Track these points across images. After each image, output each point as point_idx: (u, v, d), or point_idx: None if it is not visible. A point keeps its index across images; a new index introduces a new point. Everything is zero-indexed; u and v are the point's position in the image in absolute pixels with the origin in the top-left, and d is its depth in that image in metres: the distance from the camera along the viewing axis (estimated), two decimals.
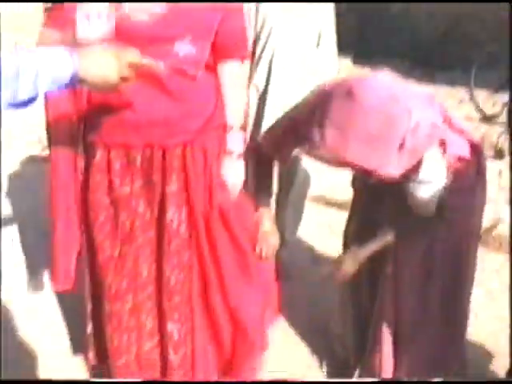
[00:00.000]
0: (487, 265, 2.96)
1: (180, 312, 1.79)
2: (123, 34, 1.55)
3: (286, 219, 2.83)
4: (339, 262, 1.87)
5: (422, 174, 1.60)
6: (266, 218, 1.94)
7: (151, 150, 1.66)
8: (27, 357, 2.28)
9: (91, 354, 1.96)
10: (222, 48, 1.70)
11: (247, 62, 1.84)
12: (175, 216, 1.70)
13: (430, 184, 1.64)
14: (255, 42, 2.41)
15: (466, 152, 1.75)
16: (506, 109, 4.65)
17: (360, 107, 1.51)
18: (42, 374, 2.19)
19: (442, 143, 1.67)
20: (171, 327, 1.78)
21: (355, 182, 2.09)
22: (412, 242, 1.81)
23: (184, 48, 1.59)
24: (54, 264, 1.82)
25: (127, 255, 1.74)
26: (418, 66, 8.28)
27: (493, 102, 5.68)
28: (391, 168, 1.55)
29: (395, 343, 1.89)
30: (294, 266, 2.87)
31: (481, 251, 3.06)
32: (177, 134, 1.66)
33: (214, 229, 1.76)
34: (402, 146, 1.54)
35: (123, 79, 1.31)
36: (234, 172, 1.79)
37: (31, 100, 1.11)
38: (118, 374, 1.85)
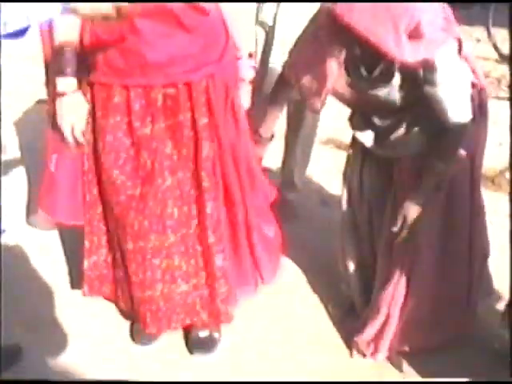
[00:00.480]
0: (500, 207, 2.93)
1: (221, 245, 1.85)
2: None
3: (295, 161, 2.80)
4: (403, 214, 1.80)
5: (440, 67, 1.56)
6: None
7: (175, 89, 1.66)
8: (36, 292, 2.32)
9: (89, 287, 2.00)
10: None
11: None
12: (210, 152, 1.74)
13: (453, 82, 1.62)
14: None
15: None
16: None
17: None
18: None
19: (459, 42, 1.63)
20: (219, 261, 1.85)
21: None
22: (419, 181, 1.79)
23: None
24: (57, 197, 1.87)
25: (148, 195, 1.75)
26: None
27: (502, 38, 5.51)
28: (406, 53, 1.48)
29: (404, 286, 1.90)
30: (303, 207, 2.87)
31: (493, 194, 3.07)
32: (198, 68, 1.67)
33: (239, 158, 1.84)
34: (416, 31, 1.47)
35: (119, 10, 1.26)
36: (244, 97, 1.92)
37: (24, 31, 1.07)
38: (142, 305, 1.90)
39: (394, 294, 1.92)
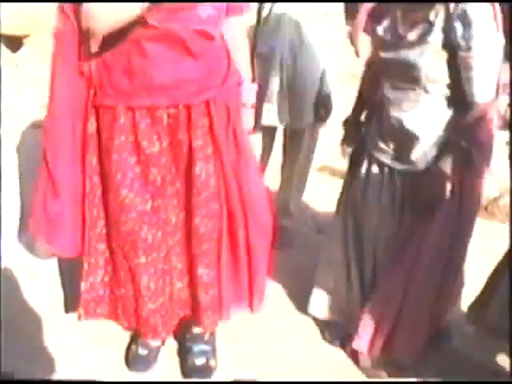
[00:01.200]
0: (492, 234, 2.96)
1: (209, 258, 1.91)
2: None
3: (291, 189, 2.83)
4: None
5: (475, 24, 1.62)
6: None
7: (176, 109, 1.73)
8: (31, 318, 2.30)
9: (85, 310, 2.00)
10: (228, 7, 1.79)
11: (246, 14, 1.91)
12: (203, 170, 1.79)
13: (486, 49, 1.65)
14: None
15: None
16: None
17: None
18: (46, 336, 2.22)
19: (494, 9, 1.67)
20: (201, 271, 1.92)
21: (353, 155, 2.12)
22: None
23: (206, 10, 1.68)
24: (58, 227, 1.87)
25: (160, 208, 1.85)
26: None
27: (504, 70, 5.59)
28: None
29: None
30: (298, 234, 2.88)
31: (486, 222, 3.10)
32: (201, 92, 1.74)
33: (242, 177, 1.88)
34: None
35: None
36: (247, 120, 1.96)
37: None
38: (152, 316, 1.96)
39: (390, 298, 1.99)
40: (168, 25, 1.62)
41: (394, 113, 1.87)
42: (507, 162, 3.62)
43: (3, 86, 4.41)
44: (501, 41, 1.70)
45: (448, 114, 1.81)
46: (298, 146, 2.73)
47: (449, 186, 1.83)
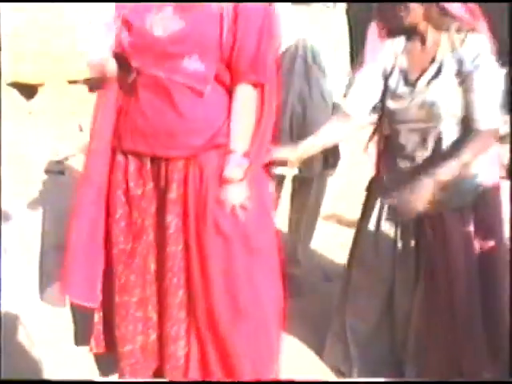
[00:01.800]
0: None
1: (174, 313, 1.82)
2: (140, 48, 1.70)
3: (299, 238, 2.85)
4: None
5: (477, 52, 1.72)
6: None
7: (157, 159, 1.77)
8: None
9: (96, 342, 1.99)
10: (236, 69, 1.71)
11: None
12: (173, 223, 1.77)
13: (489, 77, 1.73)
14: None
15: None
16: None
17: None
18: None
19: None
20: (169, 324, 1.83)
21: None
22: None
23: (193, 64, 1.66)
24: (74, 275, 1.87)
25: (136, 251, 1.83)
26: None
27: (504, 121, 5.67)
28: None
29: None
30: (306, 282, 2.88)
31: None
32: (179, 148, 1.73)
33: (207, 244, 1.74)
34: None
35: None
36: (232, 196, 1.73)
37: None
38: (122, 360, 1.90)
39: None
40: (154, 72, 1.68)
41: (407, 157, 1.91)
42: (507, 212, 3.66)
43: (17, 133, 4.52)
44: (500, 68, 1.79)
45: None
46: (306, 194, 2.76)
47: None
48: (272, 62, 1.75)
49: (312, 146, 1.91)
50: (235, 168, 1.71)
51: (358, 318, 2.15)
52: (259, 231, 1.80)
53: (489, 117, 1.76)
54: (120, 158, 1.82)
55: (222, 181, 1.72)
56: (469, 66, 1.75)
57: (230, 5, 1.66)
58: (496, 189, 1.96)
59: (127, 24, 1.70)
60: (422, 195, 1.72)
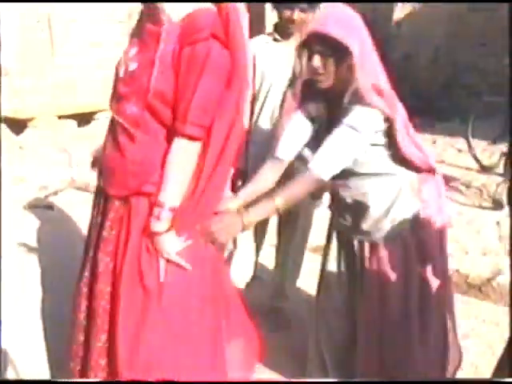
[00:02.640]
0: (487, 317, 2.96)
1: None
2: (113, 88, 1.77)
3: (286, 272, 2.85)
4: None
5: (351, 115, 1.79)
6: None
7: (106, 195, 1.80)
8: None
9: None
10: (174, 120, 1.63)
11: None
12: (102, 262, 1.74)
13: (357, 131, 1.79)
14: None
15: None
16: (503, 159, 4.72)
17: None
18: None
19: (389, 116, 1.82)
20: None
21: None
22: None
23: (131, 107, 1.67)
24: None
25: (97, 297, 1.77)
26: (417, 115, 8.41)
27: (491, 152, 5.76)
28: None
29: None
30: (293, 315, 2.88)
31: (480, 303, 3.11)
32: (115, 187, 1.74)
33: (128, 292, 1.68)
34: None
35: None
36: (160, 246, 1.67)
37: None
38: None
39: None
40: (113, 113, 1.75)
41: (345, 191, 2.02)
42: (498, 241, 3.70)
43: (6, 168, 4.53)
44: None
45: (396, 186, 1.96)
46: (292, 227, 2.77)
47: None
48: (223, 112, 1.64)
49: (252, 192, 1.94)
50: (159, 221, 1.65)
51: (331, 341, 2.19)
52: (184, 287, 1.72)
53: (320, 165, 1.82)
54: (98, 196, 1.87)
55: (151, 231, 1.67)
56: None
57: (176, 45, 1.59)
58: (438, 218, 2.03)
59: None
60: (228, 229, 1.76)
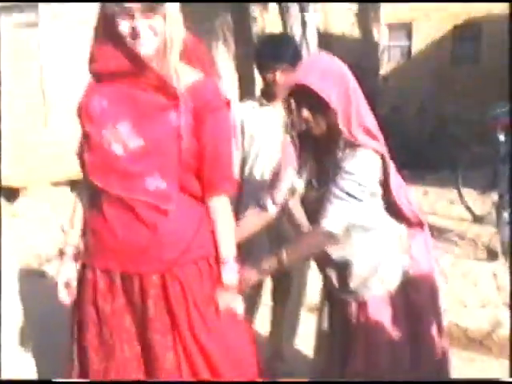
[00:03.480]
0: (491, 373, 2.90)
1: None
2: (101, 167, 1.66)
3: (282, 333, 2.81)
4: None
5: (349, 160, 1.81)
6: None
7: (129, 275, 1.71)
8: None
9: None
10: (209, 182, 1.72)
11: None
12: (160, 341, 1.69)
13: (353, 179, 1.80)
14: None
15: None
16: (495, 208, 4.74)
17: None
18: None
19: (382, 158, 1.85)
20: None
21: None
22: None
23: (154, 183, 1.64)
24: None
25: (111, 371, 1.73)
26: (407, 167, 8.51)
27: (482, 201, 5.79)
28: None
29: None
30: (291, 377, 2.81)
31: (481, 357, 3.06)
32: (152, 263, 1.68)
33: (209, 349, 1.71)
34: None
35: None
36: (228, 302, 1.75)
37: None
38: None
39: None
40: (117, 191, 1.64)
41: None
42: (496, 292, 3.67)
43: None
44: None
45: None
46: (286, 289, 2.76)
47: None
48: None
49: (237, 237, 1.93)
50: (232, 275, 1.75)
51: None
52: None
53: (330, 219, 1.83)
54: (89, 275, 1.75)
55: (221, 288, 1.74)
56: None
57: (189, 114, 1.64)
58: (428, 274, 2.02)
59: (88, 143, 1.67)
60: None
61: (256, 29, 9.22)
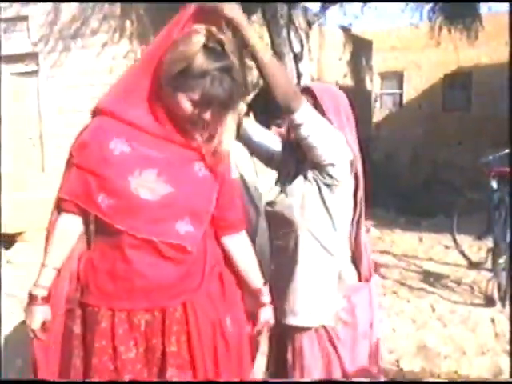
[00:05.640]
0: None
1: None
2: (125, 211, 1.68)
3: None
4: None
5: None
6: None
7: (152, 315, 1.72)
8: None
9: None
10: (226, 222, 1.83)
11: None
12: (175, 378, 1.70)
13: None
14: None
15: None
16: (490, 254, 4.77)
17: None
18: None
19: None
20: None
21: None
22: None
23: (184, 227, 1.71)
24: None
25: None
26: (402, 213, 8.59)
27: (478, 247, 5.83)
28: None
29: None
30: None
31: None
32: (179, 295, 1.73)
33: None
34: None
35: None
36: (268, 319, 1.90)
37: None
38: None
39: None
40: (146, 235, 1.67)
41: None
42: (494, 340, 3.65)
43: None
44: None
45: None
46: None
47: None
48: None
49: None
50: (269, 315, 1.91)
51: None
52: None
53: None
54: (104, 323, 1.73)
55: (264, 308, 1.89)
56: None
57: (215, 166, 1.75)
58: (363, 328, 1.97)
59: (106, 187, 1.68)
60: None
61: (251, 78, 9.41)
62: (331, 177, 1.85)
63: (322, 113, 1.87)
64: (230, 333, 1.82)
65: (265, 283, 1.90)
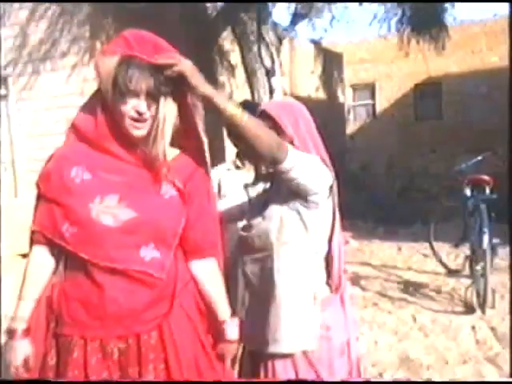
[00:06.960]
0: None
1: None
2: (87, 239, 1.64)
3: None
4: None
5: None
6: None
7: (126, 344, 1.68)
8: None
9: None
10: (195, 247, 1.77)
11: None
12: None
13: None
14: None
15: None
16: (468, 261, 4.80)
17: None
18: None
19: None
20: None
21: None
22: None
23: (150, 253, 1.66)
24: None
25: None
26: (380, 223, 8.63)
27: (455, 255, 5.87)
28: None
29: None
30: None
31: None
32: (151, 320, 1.68)
33: None
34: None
35: None
36: (233, 354, 1.85)
37: None
38: None
39: None
40: (108, 264, 1.63)
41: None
42: (475, 347, 3.66)
43: None
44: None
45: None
46: None
47: None
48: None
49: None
50: (233, 330, 1.81)
51: None
52: None
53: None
54: (76, 353, 1.69)
55: (227, 344, 1.81)
56: None
57: (181, 186, 1.71)
58: (339, 344, 1.93)
59: (69, 216, 1.65)
60: None
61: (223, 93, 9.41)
62: (313, 202, 1.83)
63: (282, 131, 1.85)
64: (210, 345, 1.80)
65: (232, 315, 1.83)
